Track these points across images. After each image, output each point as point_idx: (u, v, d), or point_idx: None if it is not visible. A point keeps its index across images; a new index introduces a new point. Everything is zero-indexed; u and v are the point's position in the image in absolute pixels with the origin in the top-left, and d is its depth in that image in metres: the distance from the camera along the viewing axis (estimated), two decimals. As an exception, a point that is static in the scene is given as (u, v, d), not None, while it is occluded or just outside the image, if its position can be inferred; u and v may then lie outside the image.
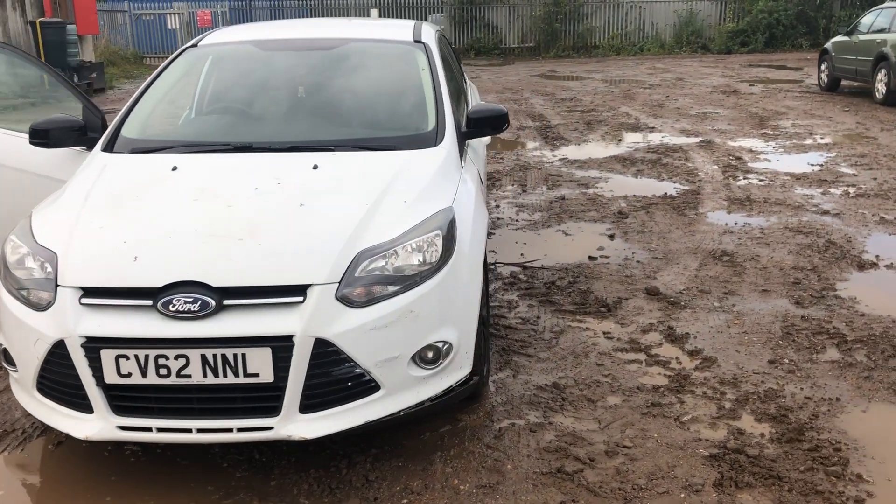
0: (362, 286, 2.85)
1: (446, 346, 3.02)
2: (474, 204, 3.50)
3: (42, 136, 3.89)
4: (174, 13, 27.61)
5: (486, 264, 3.57)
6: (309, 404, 2.80)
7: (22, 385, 3.01)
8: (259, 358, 2.71)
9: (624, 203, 7.11)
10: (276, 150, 3.57)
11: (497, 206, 7.11)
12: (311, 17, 28.64)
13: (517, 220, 6.64)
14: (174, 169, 3.40)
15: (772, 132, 10.63)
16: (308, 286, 2.77)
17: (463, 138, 3.99)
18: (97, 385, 2.77)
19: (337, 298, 2.78)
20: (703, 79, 17.52)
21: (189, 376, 2.72)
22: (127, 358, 2.72)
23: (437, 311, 2.99)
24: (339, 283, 2.80)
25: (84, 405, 2.82)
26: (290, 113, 4.04)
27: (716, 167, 8.50)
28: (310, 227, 3.00)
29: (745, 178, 7.95)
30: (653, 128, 11.20)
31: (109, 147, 3.72)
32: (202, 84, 4.33)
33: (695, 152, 9.34)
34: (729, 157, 8.97)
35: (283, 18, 30.80)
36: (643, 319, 4.50)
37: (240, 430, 2.79)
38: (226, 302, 2.73)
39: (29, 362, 2.89)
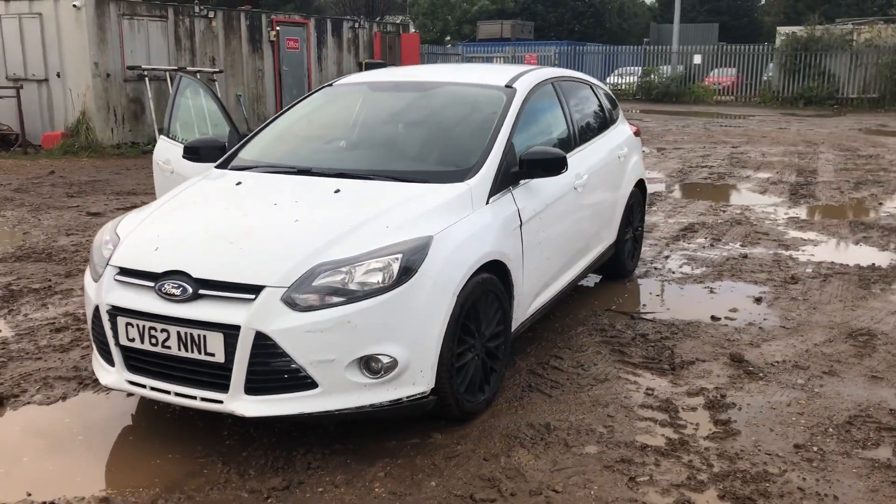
0: (313, 293, 3.27)
1: (389, 361, 3.32)
2: (474, 237, 3.72)
3: (193, 153, 4.84)
4: (500, 56, 29.64)
5: (508, 288, 3.90)
6: (253, 387, 3.28)
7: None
8: (214, 341, 3.27)
9: (810, 269, 6.54)
10: (325, 175, 4.12)
11: (666, 257, 6.94)
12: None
13: (673, 273, 6.46)
14: (238, 184, 4.12)
15: None
16: (262, 287, 3.27)
17: (513, 178, 4.21)
18: (115, 345, 3.53)
19: (282, 300, 3.24)
20: None
21: (169, 347, 3.37)
22: (132, 325, 3.44)
23: (381, 327, 3.30)
24: (289, 287, 3.26)
25: (109, 359, 3.60)
26: (359, 144, 4.59)
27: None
28: (288, 238, 3.50)
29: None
30: (928, 193, 9.88)
31: (223, 164, 4.56)
32: (313, 115, 5.04)
33: (951, 224, 8.14)
34: None
35: (613, 62, 31.43)
36: (700, 383, 4.28)
37: (202, 399, 3.37)
38: (201, 291, 3.33)
39: (89, 321, 3.75)
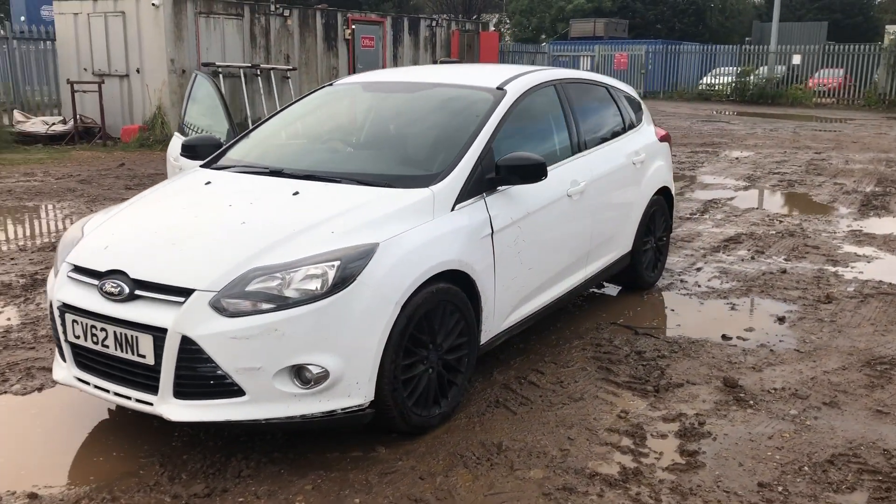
0: (245, 299, 3.21)
1: (320, 371, 3.23)
2: (428, 246, 3.58)
3: (190, 150, 4.87)
4: (587, 55, 29.10)
5: (475, 299, 3.80)
6: (181, 391, 3.25)
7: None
8: (145, 343, 3.25)
9: (852, 288, 6.09)
10: (294, 177, 4.05)
11: (698, 269, 6.59)
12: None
13: (698, 286, 6.12)
14: (207, 184, 4.11)
15: None
16: (192, 290, 3.23)
17: (489, 185, 4.05)
18: (65, 341, 3.57)
19: (210, 305, 3.19)
20: None
21: (108, 347, 3.38)
22: (78, 323, 3.47)
23: (311, 336, 3.21)
24: (218, 292, 3.21)
25: (62, 355, 3.65)
26: (336, 145, 4.51)
27: None
28: (228, 241, 3.45)
29: None
30: None
31: (209, 163, 4.56)
32: (305, 115, 4.99)
33: None
34: None
35: (710, 62, 30.36)
36: (681, 408, 4.01)
37: (136, 400, 3.36)
38: (137, 292, 3.32)
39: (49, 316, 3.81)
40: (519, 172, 4.05)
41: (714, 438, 3.71)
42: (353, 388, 3.32)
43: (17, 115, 14.78)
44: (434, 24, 19.47)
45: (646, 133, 5.86)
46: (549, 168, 4.49)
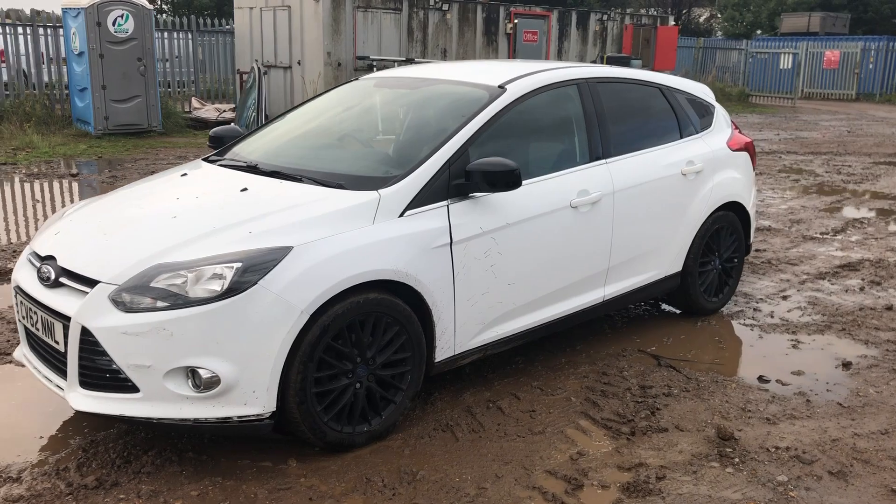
0: (145, 295, 3.16)
1: (211, 376, 3.12)
2: (355, 253, 3.36)
3: (217, 141, 4.94)
4: (788, 52, 26.84)
5: (426, 313, 3.52)
6: (85, 381, 3.26)
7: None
8: (58, 330, 3.31)
9: (965, 333, 5.10)
10: (261, 173, 3.96)
11: (785, 296, 5.80)
12: None
13: (770, 317, 5.38)
14: (183, 176, 4.12)
15: None
16: (97, 282, 3.24)
17: (457, 191, 3.75)
18: (20, 321, 3.72)
19: (109, 298, 3.17)
20: None
21: (38, 330, 3.47)
22: (22, 304, 3.60)
23: (201, 339, 3.10)
24: (119, 285, 3.18)
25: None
26: (320, 142, 4.35)
27: None
28: (147, 235, 3.42)
29: None
30: None
31: (215, 156, 4.59)
32: (316, 110, 4.86)
33: None
34: None
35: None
36: (646, 457, 3.51)
37: (55, 385, 3.43)
38: (61, 279, 3.38)
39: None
40: (488, 179, 3.71)
41: (663, 498, 3.20)
42: (250, 396, 3.18)
43: (195, 101, 15.96)
44: (606, 17, 18.77)
45: (711, 141, 5.21)
46: (549, 176, 4.14)
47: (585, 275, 4.41)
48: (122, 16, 13.70)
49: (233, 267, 3.15)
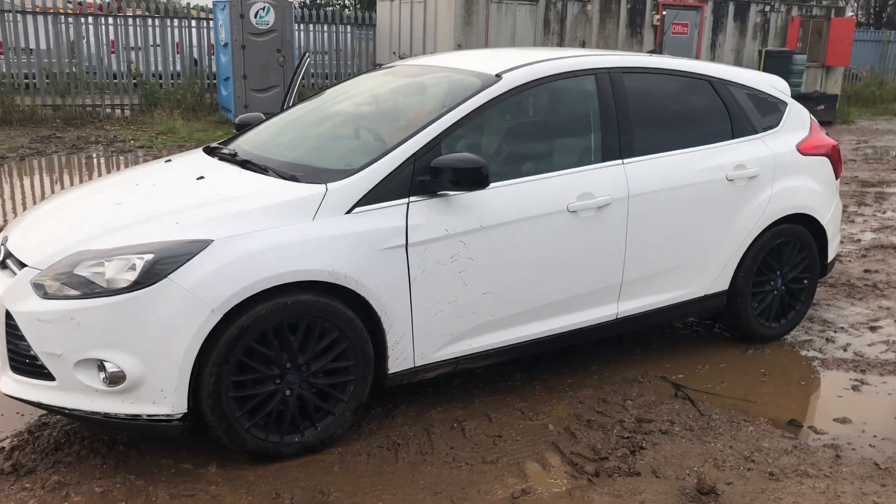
0: (64, 282, 3.06)
1: (116, 371, 3.00)
2: (283, 249, 3.12)
3: (242, 128, 4.87)
4: None
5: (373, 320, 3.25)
6: (14, 365, 3.24)
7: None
8: (-3, 310, 3.31)
9: None
10: (233, 162, 3.81)
11: (874, 327, 4.97)
12: None
13: (843, 349, 4.62)
14: (167, 161, 4.06)
15: None
16: (25, 265, 3.20)
17: (422, 188, 3.42)
18: (-9, 300, 3.78)
19: (31, 282, 3.11)
20: None
21: (-7, 310, 3.50)
22: (-11, 284, 3.65)
23: (107, 331, 2.98)
24: (41, 271, 3.12)
25: None
26: (308, 131, 4.12)
27: None
28: (84, 221, 3.35)
29: None
30: None
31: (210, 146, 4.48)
32: (330, 97, 4.61)
33: None
34: None
35: None
36: (600, 504, 3.03)
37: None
38: (7, 260, 3.39)
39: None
40: (450, 176, 3.35)
41: (591, 557, 2.74)
42: (158, 395, 3.03)
43: (333, 92, 16.29)
44: (769, 8, 17.32)
45: (774, 142, 4.50)
46: (542, 176, 3.73)
47: (590, 288, 3.93)
48: (263, 8, 14.19)
49: (143, 258, 3.00)
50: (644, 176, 3.98)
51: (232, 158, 3.88)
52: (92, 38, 15.17)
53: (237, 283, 3.03)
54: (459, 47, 14.37)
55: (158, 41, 15.70)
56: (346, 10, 16.99)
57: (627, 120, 4.00)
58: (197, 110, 15.08)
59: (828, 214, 4.71)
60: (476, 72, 3.91)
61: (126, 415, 3.06)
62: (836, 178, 4.82)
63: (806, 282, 4.74)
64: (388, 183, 3.38)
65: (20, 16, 14.37)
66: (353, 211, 3.31)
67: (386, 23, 16.44)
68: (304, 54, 5.65)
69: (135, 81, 15.30)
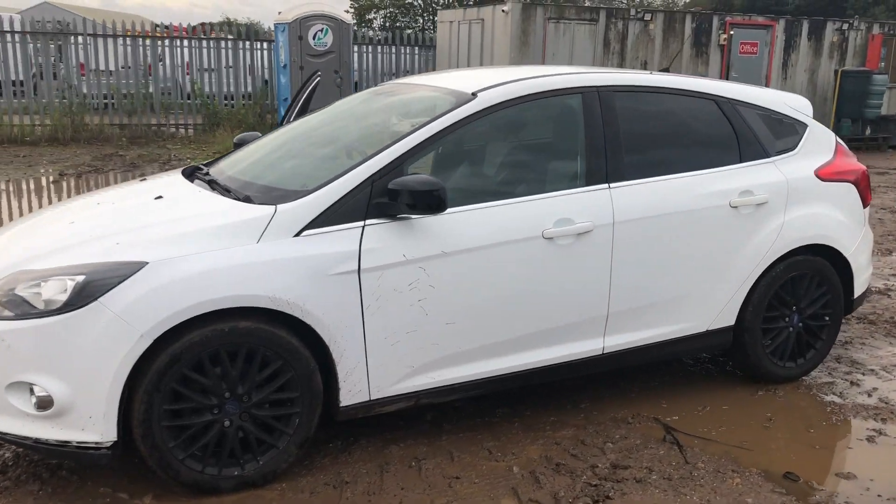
0: (8, 301, 3.00)
1: (44, 396, 2.91)
2: (220, 274, 2.99)
3: (238, 147, 4.83)
4: None
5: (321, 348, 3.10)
6: (-41, 383, 3.19)
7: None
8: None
9: None
10: (204, 181, 3.72)
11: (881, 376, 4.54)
12: None
13: (868, 395, 4.21)
14: (142, 180, 4.00)
15: None
16: (-27, 284, 3.16)
17: (379, 210, 3.25)
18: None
19: None
20: None
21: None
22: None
23: (35, 355, 2.90)
24: None
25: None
26: (279, 154, 3.99)
27: None
28: (35, 239, 3.31)
29: None
30: None
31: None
32: (324, 115, 4.48)
33: None
34: None
35: None
36: (544, 560, 2.77)
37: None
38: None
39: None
40: (406, 199, 3.17)
41: None
42: (87, 421, 2.93)
43: (392, 113, 16.33)
44: (847, 26, 16.51)
45: (789, 167, 4.15)
46: (515, 200, 3.53)
47: (571, 320, 3.67)
48: (321, 30, 14.35)
49: (75, 280, 2.92)
50: (632, 201, 3.71)
51: (201, 178, 3.80)
52: (168, 60, 15.63)
53: (168, 307, 2.91)
54: (515, 67, 14.18)
55: (231, 63, 16.08)
56: (408, 31, 17.01)
57: (617, 141, 3.74)
58: (258, 130, 15.32)
59: (852, 246, 4.31)
60: (453, 90, 3.73)
61: (56, 441, 2.97)
62: (865, 207, 4.42)
63: (828, 318, 4.34)
64: (343, 205, 3.22)
65: (101, 39, 14.92)
66: (303, 234, 3.16)
67: (445, 43, 16.42)
68: (314, 73, 5.57)
69: (199, 101, 15.66)
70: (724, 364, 4.57)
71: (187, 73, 16.58)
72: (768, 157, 4.14)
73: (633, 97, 3.89)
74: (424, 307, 3.32)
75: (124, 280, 2.91)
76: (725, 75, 15.57)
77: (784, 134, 4.25)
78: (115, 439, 2.96)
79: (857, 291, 4.44)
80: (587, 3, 14.80)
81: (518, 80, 3.70)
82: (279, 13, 14.93)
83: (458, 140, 3.59)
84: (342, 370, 3.24)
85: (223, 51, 15.86)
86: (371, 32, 16.71)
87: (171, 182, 3.84)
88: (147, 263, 2.95)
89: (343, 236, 3.19)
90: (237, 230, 3.11)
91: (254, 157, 4.05)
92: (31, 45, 14.71)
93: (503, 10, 14.22)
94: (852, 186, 4.34)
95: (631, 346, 3.86)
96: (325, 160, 3.68)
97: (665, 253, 3.81)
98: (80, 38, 14.91)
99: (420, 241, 3.29)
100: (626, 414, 3.91)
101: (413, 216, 3.28)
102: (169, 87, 16.05)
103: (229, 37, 16.06)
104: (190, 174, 3.96)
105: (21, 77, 14.78)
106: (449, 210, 3.35)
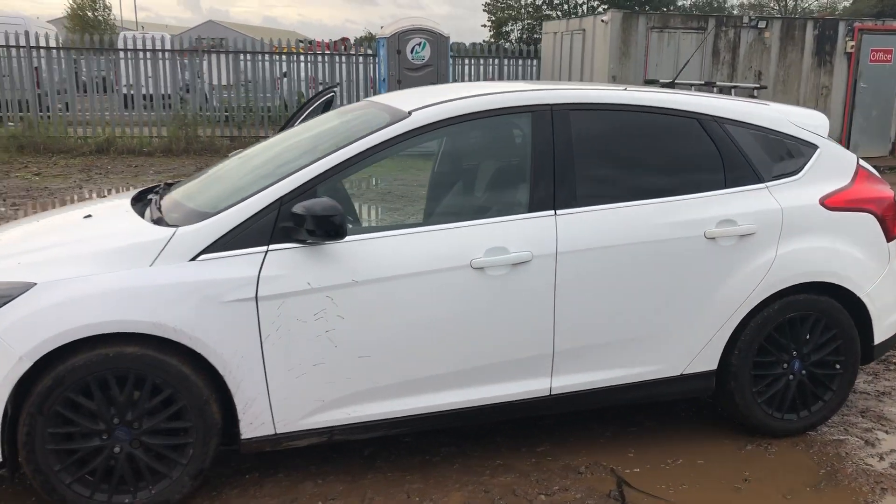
0: None
1: (-73, 410, 2.95)
2: (105, 297, 2.93)
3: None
4: None
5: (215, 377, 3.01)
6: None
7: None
8: None
9: None
10: (137, 205, 3.69)
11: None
12: None
13: (882, 458, 3.64)
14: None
15: None
16: None
17: (286, 234, 3.11)
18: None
19: None
20: None
21: None
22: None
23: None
24: None
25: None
26: (229, 174, 3.87)
27: None
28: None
29: None
30: None
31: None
32: (283, 137, 4.36)
33: None
34: None
35: None
36: None
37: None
38: None
39: None
40: (308, 224, 3.01)
41: None
42: (-31, 438, 2.94)
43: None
44: None
45: (786, 194, 3.64)
46: (440, 227, 3.30)
47: (508, 357, 3.37)
48: (419, 44, 14.41)
49: None
50: (581, 230, 3.37)
51: (147, 198, 3.78)
52: (297, 74, 16.25)
53: (50, 329, 2.88)
54: (614, 79, 13.69)
55: (351, 76, 16.42)
56: (509, 43, 16.81)
57: (569, 164, 3.41)
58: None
59: (869, 285, 3.75)
60: (392, 108, 3.53)
61: (-45, 455, 2.99)
62: (890, 241, 3.84)
63: (839, 367, 3.79)
64: (245, 228, 3.09)
65: (222, 55, 15.71)
66: (199, 258, 3.05)
67: (549, 54, 16.10)
68: (328, 88, 5.48)
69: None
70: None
71: (311, 87, 17.12)
72: (761, 182, 3.66)
73: (594, 116, 3.54)
74: (333, 339, 3.14)
75: (9, 301, 2.90)
76: (853, 86, 14.36)
77: (785, 156, 3.75)
78: (0, 459, 2.95)
79: (879, 338, 3.85)
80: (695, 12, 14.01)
81: (459, 98, 3.44)
82: (381, 28, 15.12)
83: (389, 161, 3.37)
84: (240, 401, 3.10)
85: (338, 65, 16.20)
86: (468, 45, 16.52)
87: (113, 204, 3.83)
88: (35, 284, 2.93)
89: (242, 261, 3.06)
90: (133, 253, 3.04)
91: (208, 177, 4.00)
92: (179, 62, 15.65)
93: (602, 20, 13.74)
94: (871, 217, 3.77)
95: (586, 387, 3.50)
96: (255, 182, 3.56)
97: (623, 287, 3.44)
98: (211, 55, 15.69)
99: (328, 269, 3.11)
100: (583, 462, 3.56)
101: (327, 242, 3.10)
102: (285, 100, 16.65)
103: (345, 52, 16.39)
104: (146, 193, 3.96)
105: (169, 91, 15.80)
106: (364, 236, 3.18)
